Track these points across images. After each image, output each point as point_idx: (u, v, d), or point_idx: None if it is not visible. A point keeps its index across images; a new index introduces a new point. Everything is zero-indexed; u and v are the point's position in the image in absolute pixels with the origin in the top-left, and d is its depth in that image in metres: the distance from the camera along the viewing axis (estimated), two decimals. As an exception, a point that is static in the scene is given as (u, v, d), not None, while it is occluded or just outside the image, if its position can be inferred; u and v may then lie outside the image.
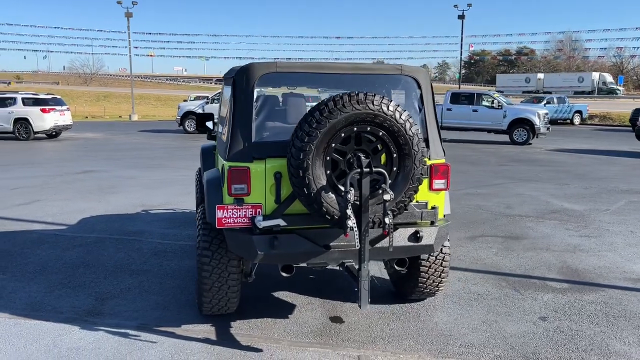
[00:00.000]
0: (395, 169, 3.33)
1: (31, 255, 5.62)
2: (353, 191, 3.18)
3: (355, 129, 3.21)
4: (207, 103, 21.76)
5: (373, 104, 3.18)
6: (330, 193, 3.26)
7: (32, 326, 3.92)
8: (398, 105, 3.26)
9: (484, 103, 20.03)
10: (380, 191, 3.25)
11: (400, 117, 3.23)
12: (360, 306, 3.40)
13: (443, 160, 3.81)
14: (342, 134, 3.21)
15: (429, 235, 3.66)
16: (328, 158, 3.24)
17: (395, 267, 3.90)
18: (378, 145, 3.30)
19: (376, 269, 5.11)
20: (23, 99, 19.98)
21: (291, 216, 3.48)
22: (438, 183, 3.75)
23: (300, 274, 5.04)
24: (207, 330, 3.90)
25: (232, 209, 3.45)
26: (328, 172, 3.26)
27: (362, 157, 3.22)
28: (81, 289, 4.67)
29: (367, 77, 3.87)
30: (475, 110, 19.93)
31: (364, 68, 3.84)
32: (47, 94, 21.23)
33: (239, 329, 3.93)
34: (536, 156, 15.77)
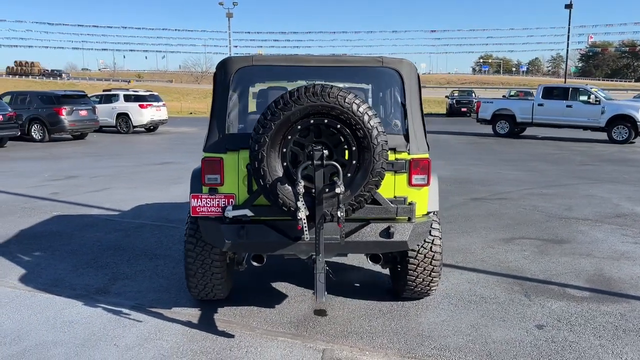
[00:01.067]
0: (354, 162, 3.27)
1: (77, 236, 6.16)
2: (303, 183, 3.17)
3: (312, 121, 3.20)
4: None
5: (329, 97, 3.15)
6: (286, 185, 3.27)
7: (44, 299, 4.33)
8: (357, 97, 3.19)
9: (580, 98, 18.60)
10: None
11: (358, 110, 3.16)
12: (316, 299, 3.39)
13: (425, 155, 3.67)
14: (299, 127, 3.21)
15: (402, 232, 3.56)
16: (285, 150, 3.26)
17: (370, 262, 3.83)
18: (340, 138, 3.27)
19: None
20: (124, 95, 21.72)
21: (261, 207, 3.54)
22: (417, 178, 3.63)
23: (304, 266, 5.07)
24: (192, 314, 4.08)
25: (206, 198, 3.57)
26: (285, 163, 3.28)
27: (316, 150, 3.20)
28: (102, 269, 5.06)
29: (347, 69, 3.82)
30: (569, 106, 18.56)
31: (343, 60, 3.79)
32: (146, 91, 22.89)
33: (223, 315, 4.06)
34: (631, 156, 14.44)
